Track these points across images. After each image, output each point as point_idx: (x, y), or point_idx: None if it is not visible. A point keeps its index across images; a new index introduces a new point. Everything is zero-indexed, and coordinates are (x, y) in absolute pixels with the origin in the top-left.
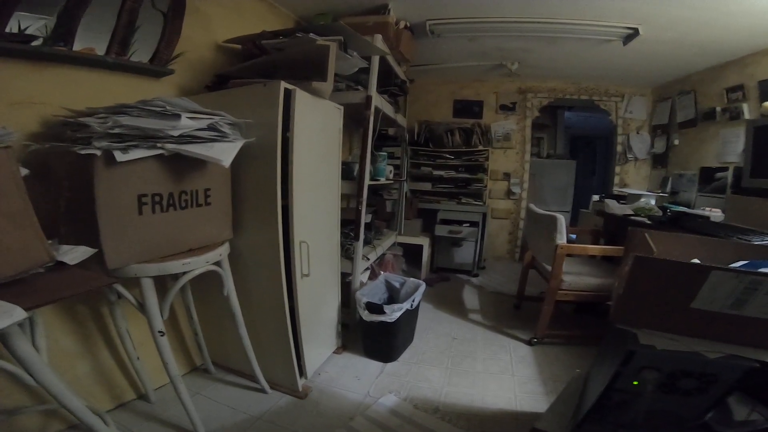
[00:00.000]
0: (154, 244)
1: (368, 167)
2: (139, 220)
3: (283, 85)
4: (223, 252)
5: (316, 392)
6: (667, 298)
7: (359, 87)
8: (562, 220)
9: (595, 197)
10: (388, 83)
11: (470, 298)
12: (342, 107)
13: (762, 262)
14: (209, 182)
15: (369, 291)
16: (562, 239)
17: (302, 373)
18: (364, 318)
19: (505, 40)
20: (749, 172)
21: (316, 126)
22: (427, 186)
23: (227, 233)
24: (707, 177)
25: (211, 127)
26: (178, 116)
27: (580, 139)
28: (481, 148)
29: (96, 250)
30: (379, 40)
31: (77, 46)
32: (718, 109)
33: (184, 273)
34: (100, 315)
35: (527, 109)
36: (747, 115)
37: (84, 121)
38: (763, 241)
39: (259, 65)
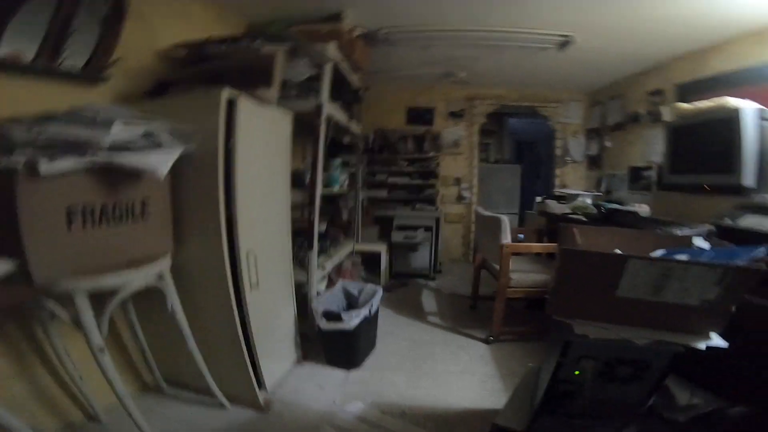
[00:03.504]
0: (86, 258)
1: (320, 175)
2: (69, 234)
3: (226, 92)
4: (163, 265)
5: (279, 404)
6: (594, 287)
7: (311, 95)
8: (506, 221)
9: (539, 198)
10: (342, 91)
11: (428, 301)
12: (291, 113)
13: (677, 251)
14: (146, 193)
15: (327, 300)
16: (506, 239)
17: (261, 385)
18: (322, 327)
19: (453, 48)
20: (669, 169)
21: (262, 133)
22: (383, 193)
23: (167, 246)
24: (635, 176)
25: (147, 136)
26: (110, 124)
27: (525, 144)
28: (432, 154)
29: (13, 266)
30: (332, 48)
31: (3, 51)
32: (642, 112)
33: (122, 288)
34: (33, 334)
35: (474, 116)
36: (666, 117)
37: (5, 130)
38: (681, 231)
39: (204, 72)
